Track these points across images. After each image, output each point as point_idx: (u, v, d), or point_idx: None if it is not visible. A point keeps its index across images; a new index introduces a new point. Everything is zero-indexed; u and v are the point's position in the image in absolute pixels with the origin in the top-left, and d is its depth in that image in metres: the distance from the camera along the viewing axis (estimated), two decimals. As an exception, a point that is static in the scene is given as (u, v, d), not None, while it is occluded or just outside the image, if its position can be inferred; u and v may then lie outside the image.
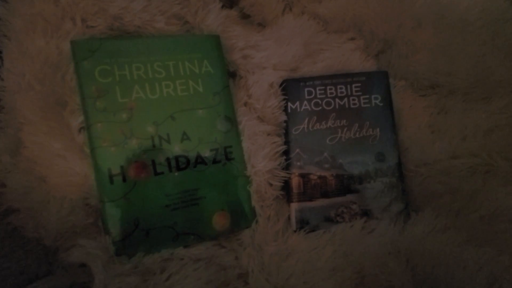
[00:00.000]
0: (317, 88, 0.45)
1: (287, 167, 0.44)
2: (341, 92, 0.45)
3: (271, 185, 0.43)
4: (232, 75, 0.46)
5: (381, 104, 0.46)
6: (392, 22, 0.49)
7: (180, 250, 0.38)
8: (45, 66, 0.38)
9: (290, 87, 0.45)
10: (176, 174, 0.39)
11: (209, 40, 0.42)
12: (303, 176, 0.44)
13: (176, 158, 0.39)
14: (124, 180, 0.37)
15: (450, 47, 0.47)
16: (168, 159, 0.39)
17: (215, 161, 0.40)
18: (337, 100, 0.45)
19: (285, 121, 0.45)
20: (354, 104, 0.45)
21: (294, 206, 0.43)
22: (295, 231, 0.42)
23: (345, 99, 0.45)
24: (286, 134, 0.45)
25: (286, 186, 0.44)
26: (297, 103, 0.45)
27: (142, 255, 0.36)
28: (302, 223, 0.42)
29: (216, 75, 0.42)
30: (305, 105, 0.45)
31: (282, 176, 0.43)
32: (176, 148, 0.39)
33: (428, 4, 0.47)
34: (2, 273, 0.30)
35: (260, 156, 0.42)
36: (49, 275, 0.32)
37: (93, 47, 0.37)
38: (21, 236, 0.36)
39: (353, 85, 0.46)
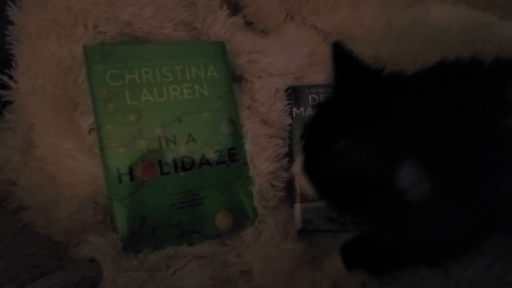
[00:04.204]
0: (321, 95, 0.47)
1: (290, 169, 0.46)
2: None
3: (273, 186, 0.45)
4: (238, 79, 0.48)
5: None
6: (381, 40, 0.51)
7: (185, 247, 0.39)
8: (58, 69, 0.39)
9: (295, 94, 0.47)
10: (182, 174, 0.40)
11: (215, 46, 0.44)
12: (305, 177, 0.45)
13: (182, 159, 0.40)
14: (132, 179, 0.38)
15: (435, 61, 0.49)
16: (174, 160, 0.40)
17: (219, 162, 0.42)
18: (338, 106, 0.47)
19: (289, 124, 0.47)
20: (354, 110, 0.48)
21: (298, 206, 0.44)
22: (299, 231, 0.44)
23: (346, 106, 0.48)
24: (291, 137, 0.46)
25: (289, 187, 0.46)
26: (302, 108, 0.47)
27: (148, 251, 0.38)
28: (306, 223, 0.44)
29: (221, 79, 0.44)
30: (309, 111, 0.47)
31: (285, 177, 0.45)
32: (182, 149, 0.41)
33: (414, 22, 0.50)
34: (16, 267, 0.32)
35: (262, 158, 0.43)
36: (60, 269, 0.33)
37: (104, 52, 0.39)
38: (33, 232, 0.37)
39: (354, 93, 0.48)
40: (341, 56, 0.34)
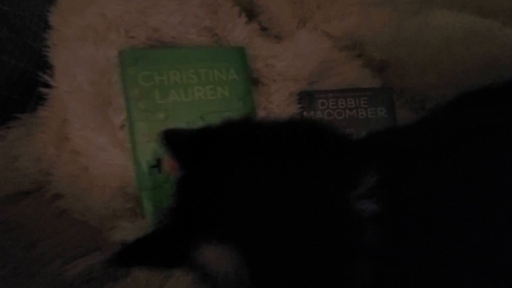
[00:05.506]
0: (330, 100, 0.51)
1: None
2: (351, 104, 0.51)
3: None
4: (255, 82, 0.51)
5: (386, 116, 0.51)
6: (389, 45, 0.55)
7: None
8: (94, 70, 0.43)
9: (306, 98, 0.51)
10: (204, 168, 0.44)
11: (236, 51, 0.48)
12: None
13: (204, 154, 0.44)
14: (159, 171, 0.42)
15: (438, 64, 0.53)
16: (197, 155, 0.44)
17: (237, 158, 0.46)
18: (347, 111, 0.51)
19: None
20: (362, 115, 0.51)
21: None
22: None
23: (354, 111, 0.51)
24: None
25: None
26: (312, 112, 0.51)
27: (174, 237, 0.41)
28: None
29: (241, 82, 0.47)
30: (319, 115, 0.50)
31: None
32: (205, 146, 0.44)
33: (420, 29, 0.53)
34: (60, 246, 0.35)
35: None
36: (97, 250, 0.37)
37: (137, 56, 0.42)
38: (70, 218, 0.41)
39: (361, 99, 0.51)
40: (174, 142, 0.32)
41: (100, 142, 0.43)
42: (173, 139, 0.31)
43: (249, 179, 0.25)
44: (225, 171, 0.26)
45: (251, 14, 0.61)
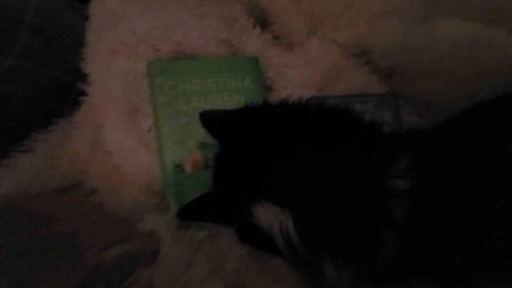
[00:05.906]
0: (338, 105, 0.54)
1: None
2: (358, 109, 0.54)
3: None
4: (269, 89, 0.56)
5: (392, 120, 0.54)
6: (395, 53, 0.58)
7: (225, 228, 0.47)
8: (125, 80, 0.49)
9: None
10: (222, 168, 0.48)
11: (250, 61, 0.52)
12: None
13: (222, 155, 0.49)
14: (182, 171, 0.47)
15: (443, 71, 0.55)
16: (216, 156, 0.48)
17: (252, 159, 0.50)
18: (354, 115, 0.54)
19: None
20: (369, 119, 0.54)
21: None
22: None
23: (361, 115, 0.54)
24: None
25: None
26: (321, 117, 0.54)
27: (196, 230, 0.46)
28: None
29: (255, 90, 0.52)
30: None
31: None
32: (222, 147, 0.49)
33: (425, 37, 0.56)
34: (97, 234, 0.41)
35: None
36: (129, 239, 0.42)
37: (163, 67, 0.48)
38: (104, 211, 0.46)
39: (368, 104, 0.54)
40: (211, 122, 0.38)
41: (130, 144, 0.49)
42: (210, 119, 0.38)
43: (297, 152, 0.30)
44: (275, 145, 0.31)
45: (264, 23, 0.65)
